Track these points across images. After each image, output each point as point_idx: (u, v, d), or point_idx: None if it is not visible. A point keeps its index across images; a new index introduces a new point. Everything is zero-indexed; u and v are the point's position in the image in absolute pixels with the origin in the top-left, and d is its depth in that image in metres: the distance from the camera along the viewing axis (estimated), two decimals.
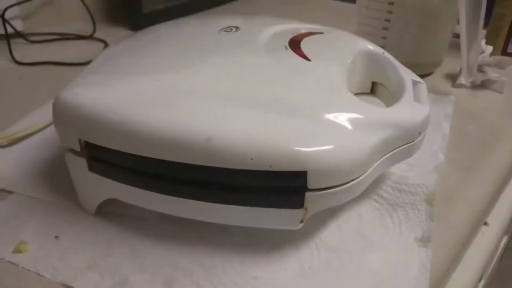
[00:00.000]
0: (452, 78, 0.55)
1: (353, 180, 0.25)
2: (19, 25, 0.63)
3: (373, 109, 0.28)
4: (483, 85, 0.53)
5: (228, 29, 0.34)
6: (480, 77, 0.52)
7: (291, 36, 0.34)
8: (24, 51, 0.60)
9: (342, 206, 0.32)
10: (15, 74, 0.54)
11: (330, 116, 0.26)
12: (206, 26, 0.36)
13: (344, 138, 0.25)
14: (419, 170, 0.35)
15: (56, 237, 0.30)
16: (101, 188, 0.29)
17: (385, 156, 0.28)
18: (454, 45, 0.58)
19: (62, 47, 0.63)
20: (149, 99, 0.26)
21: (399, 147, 0.29)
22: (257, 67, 0.29)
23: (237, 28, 0.34)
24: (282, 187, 0.25)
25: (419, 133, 0.29)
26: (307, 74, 0.29)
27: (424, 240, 0.29)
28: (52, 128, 0.41)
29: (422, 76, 0.55)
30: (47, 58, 0.57)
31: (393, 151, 0.28)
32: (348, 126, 0.26)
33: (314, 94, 0.27)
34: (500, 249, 0.59)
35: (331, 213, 0.32)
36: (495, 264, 0.57)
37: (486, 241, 0.40)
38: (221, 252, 0.28)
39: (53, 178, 0.35)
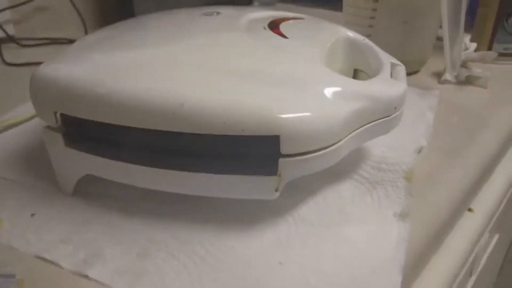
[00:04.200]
0: (438, 76, 0.56)
1: (327, 147, 0.25)
2: (10, 30, 0.64)
3: (348, 80, 0.28)
4: (468, 81, 0.53)
5: (209, 14, 0.35)
6: (464, 73, 0.53)
7: (271, 19, 0.34)
8: (14, 54, 0.60)
9: (321, 185, 0.32)
10: (3, 74, 0.55)
11: (304, 85, 0.26)
12: (189, 12, 0.36)
13: (317, 105, 0.25)
14: (400, 152, 0.35)
15: (32, 215, 0.29)
16: (77, 163, 0.29)
17: (361, 128, 0.28)
18: (439, 46, 0.59)
19: (52, 51, 0.64)
20: (124, 70, 0.27)
21: (375, 120, 0.29)
22: (234, 42, 0.29)
23: (218, 13, 0.35)
24: (255, 153, 0.25)
25: (395, 107, 0.29)
26: (284, 49, 0.29)
27: (403, 215, 0.29)
28: (34, 120, 0.42)
29: (408, 74, 0.56)
30: (37, 61, 0.58)
31: (369, 124, 0.28)
32: (322, 95, 0.26)
33: (289, 65, 0.27)
34: (492, 246, 0.58)
35: (310, 191, 0.31)
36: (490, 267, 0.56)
37: (470, 227, 0.39)
38: (197, 227, 0.28)
39: (32, 162, 0.35)
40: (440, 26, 0.54)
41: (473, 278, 0.53)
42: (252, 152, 0.25)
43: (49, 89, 0.27)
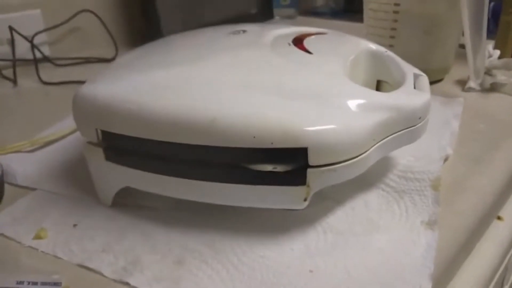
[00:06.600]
0: (462, 83, 0.56)
1: (353, 158, 0.26)
2: (46, 50, 0.68)
3: (372, 93, 0.29)
4: (493, 88, 0.53)
5: (236, 32, 0.36)
6: (489, 80, 0.53)
7: (295, 35, 0.36)
8: (50, 73, 0.64)
9: (349, 195, 0.33)
10: (41, 92, 0.58)
11: (329, 98, 0.27)
12: (216, 31, 0.38)
13: (343, 118, 0.26)
14: (426, 160, 0.36)
15: (74, 225, 0.31)
16: (116, 176, 0.31)
17: (386, 139, 0.29)
18: (463, 54, 0.59)
19: (85, 70, 0.67)
20: (160, 88, 0.28)
21: (400, 130, 0.29)
22: (261, 59, 0.31)
23: (244, 31, 0.37)
24: (285, 164, 0.26)
25: (419, 117, 0.30)
26: (308, 64, 0.31)
27: (431, 223, 0.30)
28: (73, 136, 0.44)
29: (432, 83, 0.56)
30: (72, 79, 0.61)
31: (394, 134, 0.29)
32: (347, 107, 0.27)
33: (314, 80, 0.29)
34: None
35: (338, 201, 0.32)
36: None
37: (500, 235, 0.39)
38: (230, 236, 0.29)
39: (72, 176, 0.37)
40: (462, 34, 0.54)
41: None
42: (282, 163, 0.26)
43: (90, 107, 0.29)
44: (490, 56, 0.54)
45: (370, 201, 0.32)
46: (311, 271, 0.26)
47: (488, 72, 0.53)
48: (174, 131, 0.26)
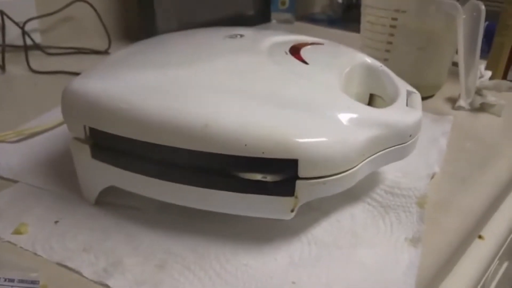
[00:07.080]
0: (453, 101, 0.57)
1: (343, 172, 0.26)
2: (37, 38, 0.67)
3: (366, 108, 0.29)
4: (482, 108, 0.54)
5: (233, 36, 0.36)
6: (479, 100, 0.53)
7: (292, 44, 0.36)
8: (40, 61, 0.63)
9: (335, 206, 0.33)
10: (30, 81, 0.57)
11: (323, 111, 0.27)
12: (213, 33, 0.38)
13: (335, 131, 0.26)
14: (413, 177, 0.36)
15: (56, 222, 0.31)
16: (102, 175, 0.30)
17: (376, 154, 0.29)
18: (454, 72, 0.59)
19: (77, 60, 0.66)
20: (154, 89, 0.28)
21: (391, 147, 0.30)
22: (257, 66, 0.31)
23: (242, 35, 0.36)
24: (274, 174, 0.26)
25: (410, 135, 0.30)
26: (304, 74, 0.31)
27: (414, 241, 0.30)
28: (59, 128, 0.43)
29: (423, 99, 0.57)
30: (62, 69, 0.59)
31: (384, 151, 0.29)
32: (340, 121, 0.27)
33: (309, 91, 0.29)
34: (500, 273, 0.58)
35: (324, 212, 0.32)
36: None
37: (480, 253, 0.40)
38: (214, 242, 0.29)
39: (57, 170, 0.36)
40: (456, 52, 0.55)
41: None
42: (271, 173, 0.26)
43: (80, 103, 0.29)
44: (481, 76, 0.55)
45: (356, 215, 0.32)
46: (293, 283, 0.26)
47: (478, 92, 0.54)
48: (165, 134, 0.26)
